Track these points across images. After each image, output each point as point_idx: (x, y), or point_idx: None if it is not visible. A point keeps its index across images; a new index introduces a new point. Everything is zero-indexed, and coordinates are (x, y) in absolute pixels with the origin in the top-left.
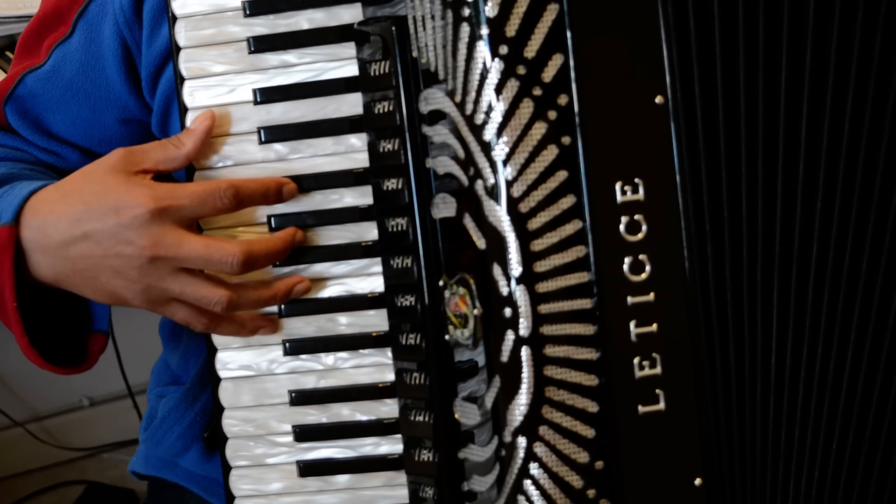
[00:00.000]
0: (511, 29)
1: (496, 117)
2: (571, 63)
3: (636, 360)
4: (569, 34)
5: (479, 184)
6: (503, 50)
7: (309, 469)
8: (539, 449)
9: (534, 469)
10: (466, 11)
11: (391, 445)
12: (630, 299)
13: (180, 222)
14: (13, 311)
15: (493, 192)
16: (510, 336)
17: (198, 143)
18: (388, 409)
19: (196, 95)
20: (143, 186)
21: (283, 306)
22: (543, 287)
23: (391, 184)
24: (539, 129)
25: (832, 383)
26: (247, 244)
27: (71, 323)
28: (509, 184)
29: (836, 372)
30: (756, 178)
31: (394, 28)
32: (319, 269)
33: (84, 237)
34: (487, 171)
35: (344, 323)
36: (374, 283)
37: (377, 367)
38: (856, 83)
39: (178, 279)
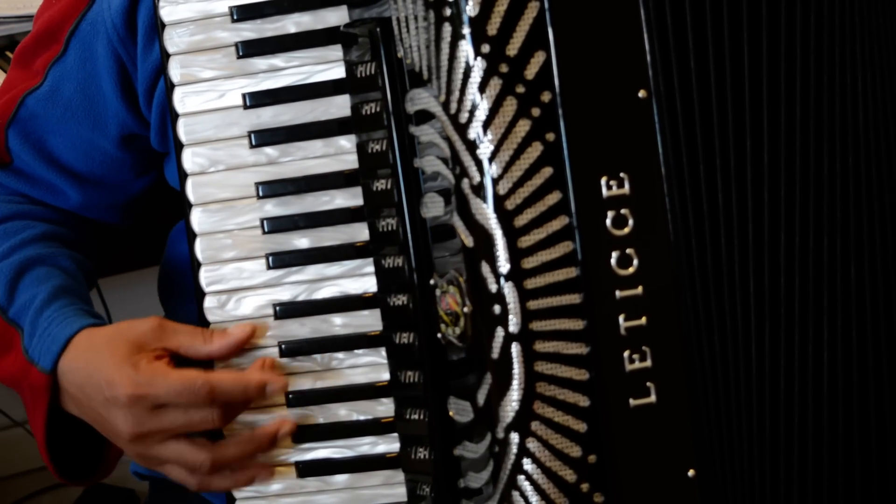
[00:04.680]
0: (492, 28)
1: (480, 116)
2: (554, 60)
3: (626, 354)
4: (550, 31)
5: (465, 182)
6: (485, 49)
7: (308, 469)
8: (532, 444)
9: (527, 464)
10: (448, 11)
11: (388, 444)
12: (618, 293)
13: (156, 406)
14: (42, 446)
15: (479, 190)
16: (500, 333)
17: (225, 349)
18: (385, 408)
19: (187, 101)
20: (131, 368)
21: (278, 308)
22: (532, 283)
23: (380, 184)
24: (523, 127)
25: (814, 371)
26: (214, 379)
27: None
28: (495, 181)
29: (816, 358)
30: (729, 169)
31: (378, 29)
32: (313, 270)
33: (87, 397)
34: (473, 170)
35: (339, 324)
36: (367, 283)
37: (372, 366)
38: (801, 70)
39: (165, 447)
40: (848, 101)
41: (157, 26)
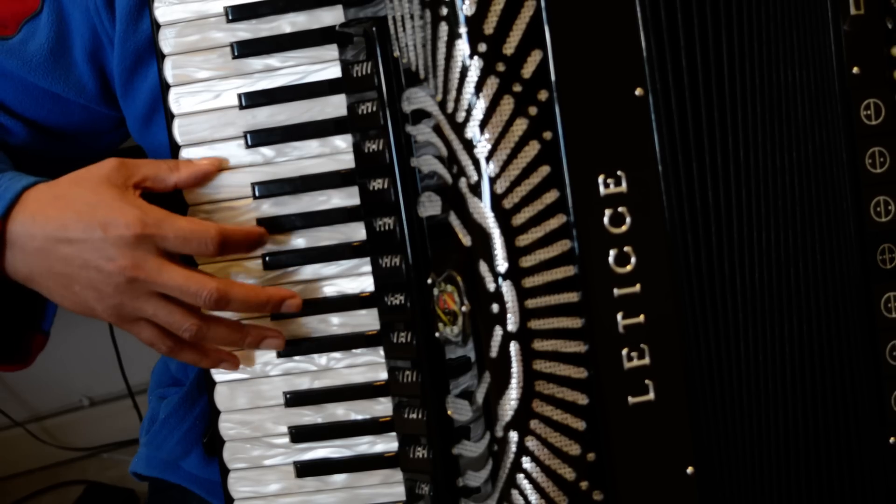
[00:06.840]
0: (489, 27)
1: (477, 115)
2: (550, 58)
3: (624, 352)
4: (547, 30)
5: (462, 181)
6: (482, 48)
7: (306, 469)
8: (531, 443)
9: (526, 463)
10: (444, 10)
11: (386, 444)
12: (616, 291)
13: (161, 251)
14: None
15: (476, 190)
16: (498, 332)
17: (191, 178)
18: (383, 407)
19: (182, 102)
20: (135, 207)
21: None
22: (530, 282)
23: (377, 184)
24: (520, 126)
25: (781, 368)
26: (226, 284)
27: (18, 320)
28: (492, 180)
29: (781, 356)
30: (717, 166)
31: (374, 29)
32: (310, 270)
33: (68, 244)
34: (470, 169)
35: (336, 323)
36: (364, 282)
37: (370, 366)
38: (759, 66)
39: (151, 301)
40: (790, 95)
41: (151, 24)
